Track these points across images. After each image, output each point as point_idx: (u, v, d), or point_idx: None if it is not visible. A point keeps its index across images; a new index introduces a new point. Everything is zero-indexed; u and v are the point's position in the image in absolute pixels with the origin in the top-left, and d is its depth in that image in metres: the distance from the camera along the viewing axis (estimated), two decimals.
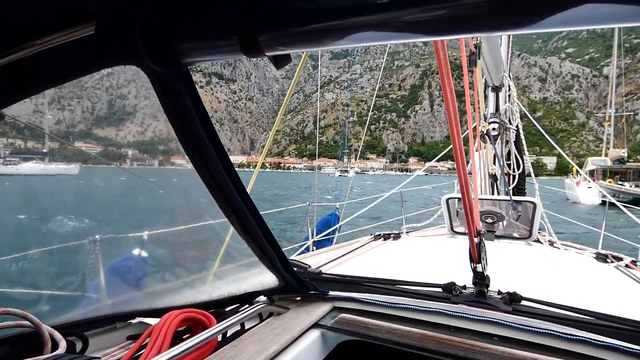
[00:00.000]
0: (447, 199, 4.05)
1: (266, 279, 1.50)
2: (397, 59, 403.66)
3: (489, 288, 1.68)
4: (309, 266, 1.99)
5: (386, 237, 3.88)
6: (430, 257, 3.17)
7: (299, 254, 4.20)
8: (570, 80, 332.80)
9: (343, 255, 2.94)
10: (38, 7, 0.60)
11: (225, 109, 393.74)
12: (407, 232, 4.27)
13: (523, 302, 1.58)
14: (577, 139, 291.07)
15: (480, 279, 1.68)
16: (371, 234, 3.95)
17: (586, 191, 31.01)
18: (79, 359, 0.93)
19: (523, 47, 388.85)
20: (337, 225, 5.49)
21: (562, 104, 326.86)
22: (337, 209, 6.29)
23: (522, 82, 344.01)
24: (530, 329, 1.29)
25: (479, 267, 1.70)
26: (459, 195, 4.14)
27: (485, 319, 1.40)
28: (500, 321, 1.37)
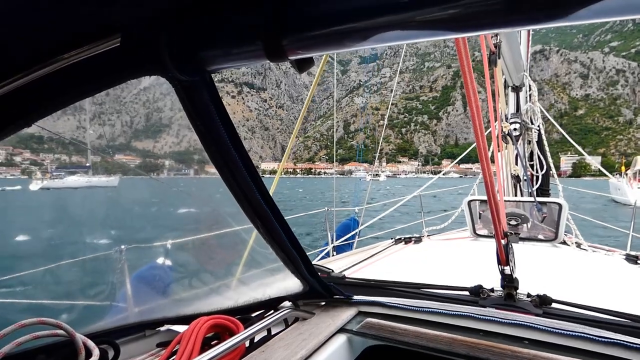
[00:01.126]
0: (469, 201, 4.00)
1: (290, 284, 1.52)
2: (428, 60, 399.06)
3: (517, 291, 1.65)
4: (332, 271, 1.99)
5: (407, 241, 3.87)
6: (453, 260, 3.15)
7: (319, 259, 4.21)
8: (615, 76, 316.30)
9: (364, 260, 2.95)
10: (65, 23, 0.61)
11: (256, 117, 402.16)
12: (428, 236, 4.26)
13: (554, 305, 1.55)
14: (623, 137, 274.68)
15: (509, 282, 1.65)
16: (392, 238, 3.94)
17: (637, 192, 28.43)
18: None
19: (562, 43, 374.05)
20: (357, 230, 5.52)
21: (607, 101, 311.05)
22: (357, 213, 6.27)
23: (561, 79, 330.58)
24: (563, 332, 1.27)
25: (507, 270, 1.66)
26: (482, 197, 4.22)
27: (516, 322, 1.38)
28: (531, 324, 1.35)
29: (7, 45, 0.59)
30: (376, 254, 3.21)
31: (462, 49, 1.20)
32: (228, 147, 0.93)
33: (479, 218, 4.06)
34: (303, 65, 0.69)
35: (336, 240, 5.12)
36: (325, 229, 5.25)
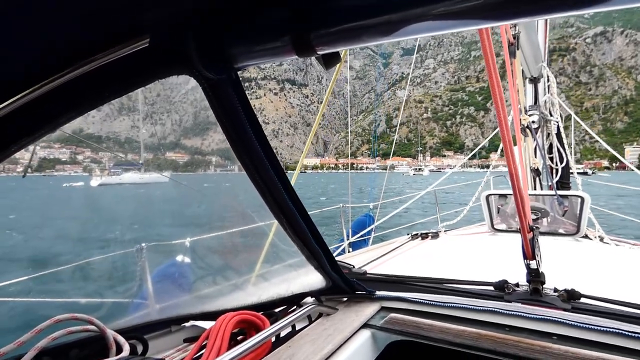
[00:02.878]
0: (487, 196, 4.04)
1: (313, 279, 1.56)
2: (474, 49, 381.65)
3: (544, 285, 1.65)
4: (353, 266, 2.03)
5: (424, 236, 3.92)
6: (473, 255, 3.20)
7: (335, 256, 4.29)
8: None
9: (382, 256, 3.02)
10: (93, 25, 0.62)
11: (298, 113, 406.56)
12: (444, 231, 4.36)
13: (582, 300, 1.56)
14: None
15: (535, 276, 1.65)
16: (408, 234, 4.01)
17: None
18: None
19: (627, 23, 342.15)
20: (372, 226, 5.62)
21: None
22: (371, 209, 6.41)
23: (626, 62, 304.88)
24: (594, 327, 1.28)
25: (533, 264, 1.67)
26: (500, 192, 4.24)
27: (543, 317, 1.38)
28: (559, 319, 1.35)
29: (38, 49, 0.61)
30: (393, 249, 3.29)
31: (486, 40, 1.22)
32: (254, 144, 0.96)
33: (497, 212, 4.10)
34: (330, 61, 0.69)
35: (352, 237, 5.24)
36: (340, 225, 5.37)
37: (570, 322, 1.33)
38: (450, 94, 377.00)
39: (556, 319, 1.36)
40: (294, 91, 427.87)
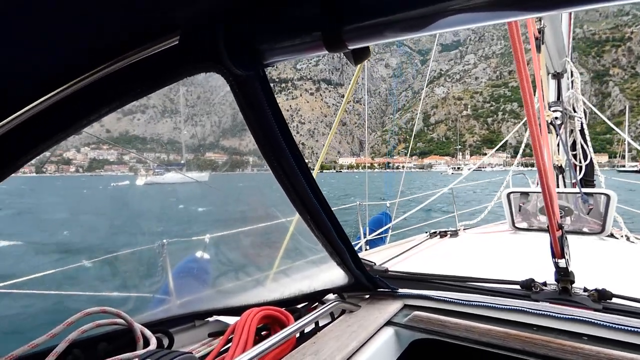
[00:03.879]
0: (509, 194, 3.99)
1: (334, 276, 1.58)
2: None
3: (573, 285, 1.63)
4: (375, 264, 2.05)
5: (442, 234, 3.93)
6: (495, 253, 3.18)
7: None
8: None
9: (402, 254, 3.03)
10: (125, 23, 0.64)
11: (334, 113, 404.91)
12: (464, 229, 4.39)
13: (614, 300, 1.53)
14: None
15: (564, 275, 1.63)
16: (426, 232, 4.04)
17: None
18: (176, 354, 0.99)
19: None
20: (390, 224, 5.75)
21: None
22: (388, 207, 6.48)
23: None
24: (626, 328, 1.27)
25: (562, 263, 1.64)
26: (522, 189, 4.18)
27: (573, 317, 1.38)
28: (590, 320, 1.34)
29: (68, 48, 0.62)
30: (412, 247, 3.32)
31: (515, 34, 1.22)
32: (279, 141, 0.97)
33: (519, 211, 4.04)
34: (360, 56, 0.69)
35: (369, 235, 5.30)
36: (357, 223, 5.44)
37: (601, 323, 1.32)
38: (491, 90, 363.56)
39: (587, 319, 1.35)
40: (329, 91, 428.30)
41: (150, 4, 0.62)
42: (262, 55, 0.73)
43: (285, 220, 1.66)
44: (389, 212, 6.40)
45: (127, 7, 0.60)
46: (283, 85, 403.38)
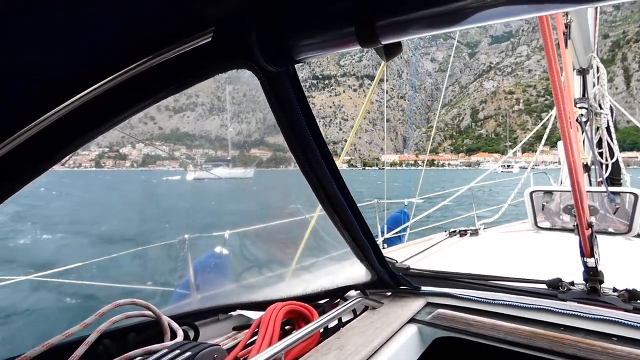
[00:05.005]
0: (531, 192, 3.96)
1: (357, 272, 1.60)
2: None
3: (602, 285, 1.60)
4: (397, 261, 2.08)
5: (462, 233, 3.92)
6: (517, 252, 3.16)
7: None
8: None
9: (422, 252, 3.03)
10: (159, 22, 0.66)
11: (377, 109, 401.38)
12: (484, 229, 4.37)
13: None
14: None
15: (593, 275, 1.61)
16: (445, 231, 4.04)
17: None
18: (205, 346, 0.99)
19: None
20: (408, 223, 5.77)
21: None
22: (406, 206, 6.49)
23: None
24: None
25: (591, 262, 1.62)
26: (545, 188, 4.11)
27: (602, 317, 1.37)
28: (621, 320, 1.33)
29: (102, 47, 0.63)
30: (432, 246, 3.31)
31: (547, 29, 1.23)
32: (308, 139, 0.98)
33: (542, 210, 4.00)
34: (392, 51, 0.70)
35: (387, 233, 5.32)
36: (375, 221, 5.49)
37: (632, 324, 1.30)
38: (546, 83, 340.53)
39: (617, 320, 1.34)
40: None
41: (185, 2, 0.63)
42: (293, 51, 0.74)
43: (308, 217, 1.67)
44: (407, 210, 6.46)
45: (161, 5, 0.61)
46: (326, 81, 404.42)
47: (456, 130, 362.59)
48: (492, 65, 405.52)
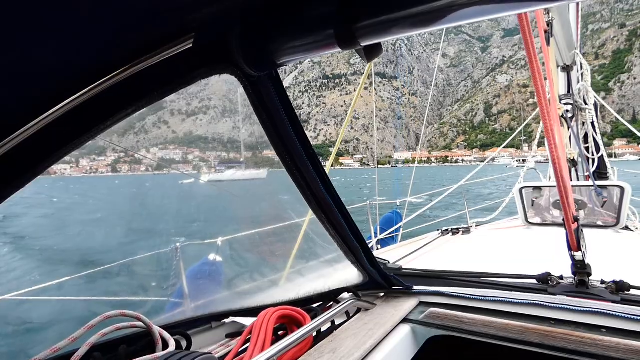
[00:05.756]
0: (521, 189, 4.03)
1: (349, 275, 1.60)
2: (592, 22, 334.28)
3: (590, 277, 1.64)
4: (389, 262, 2.07)
5: (454, 232, 3.93)
6: (509, 249, 3.23)
7: None
8: None
9: (415, 252, 3.05)
10: (140, 29, 0.65)
11: (389, 107, 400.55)
12: (476, 226, 4.39)
13: (632, 291, 1.54)
14: None
15: (581, 268, 1.64)
16: (438, 230, 4.06)
17: None
18: (196, 355, 0.99)
19: None
20: (401, 223, 5.77)
21: None
22: (398, 206, 6.49)
23: None
24: None
25: (579, 255, 1.65)
26: (534, 184, 4.18)
27: (591, 309, 1.40)
28: (609, 312, 1.36)
29: (83, 54, 0.63)
30: (425, 245, 3.32)
31: (526, 26, 1.22)
32: (293, 141, 0.98)
33: (532, 206, 4.07)
34: (372, 52, 0.70)
35: (380, 234, 5.36)
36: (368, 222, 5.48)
37: (620, 314, 1.32)
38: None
39: (605, 311, 1.36)
40: (384, 84, 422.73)
41: (165, 9, 0.63)
42: (275, 55, 0.75)
43: (300, 221, 1.66)
44: (399, 210, 6.43)
45: (141, 13, 0.61)
46: (337, 81, 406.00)
47: (469, 126, 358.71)
48: (505, 59, 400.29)
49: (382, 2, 0.60)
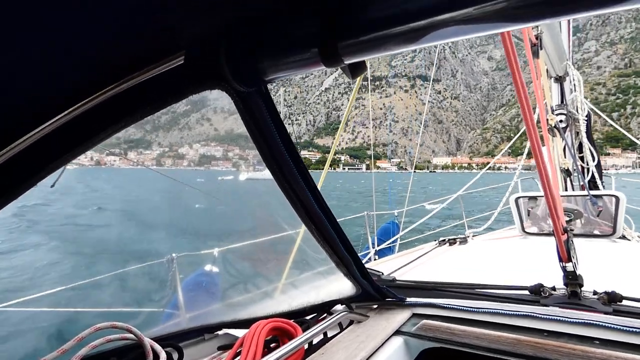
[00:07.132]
0: (517, 199, 4.02)
1: (342, 286, 1.59)
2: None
3: (582, 288, 1.64)
4: (382, 273, 2.07)
5: (452, 242, 3.90)
6: (504, 260, 3.20)
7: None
8: None
9: (410, 262, 3.02)
10: (130, 48, 0.67)
11: (429, 110, 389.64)
12: (472, 237, 4.34)
13: (624, 302, 1.54)
14: None
15: (573, 279, 1.64)
16: (435, 240, 4.00)
17: None
18: None
19: None
20: (399, 235, 5.79)
21: None
22: (396, 216, 6.45)
23: None
24: (638, 330, 1.28)
25: (570, 267, 1.65)
26: (530, 194, 4.19)
27: (583, 321, 1.39)
28: (601, 323, 1.35)
29: (74, 71, 0.64)
30: (421, 256, 3.29)
31: (508, 41, 1.27)
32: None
33: (528, 215, 4.07)
34: (356, 70, 0.73)
35: (377, 244, 5.32)
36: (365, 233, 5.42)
37: (612, 326, 1.32)
38: (617, 80, 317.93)
39: (597, 323, 1.35)
40: (425, 87, 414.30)
41: (155, 28, 0.65)
42: (263, 72, 0.76)
43: (293, 232, 1.66)
44: (397, 221, 6.45)
45: (132, 31, 0.63)
46: (377, 83, 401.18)
47: (515, 132, 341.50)
48: None
49: (364, 22, 0.62)
